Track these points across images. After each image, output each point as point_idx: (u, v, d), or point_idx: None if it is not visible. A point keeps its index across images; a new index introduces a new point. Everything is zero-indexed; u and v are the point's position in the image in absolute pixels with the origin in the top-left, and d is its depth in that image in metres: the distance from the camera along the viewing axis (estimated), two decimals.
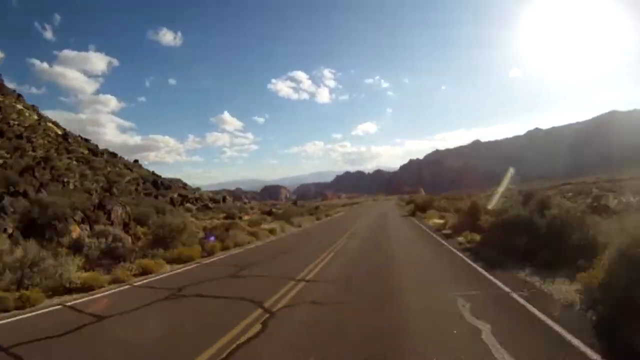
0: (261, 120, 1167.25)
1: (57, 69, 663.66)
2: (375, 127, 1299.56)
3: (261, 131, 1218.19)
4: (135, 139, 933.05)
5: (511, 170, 58.06)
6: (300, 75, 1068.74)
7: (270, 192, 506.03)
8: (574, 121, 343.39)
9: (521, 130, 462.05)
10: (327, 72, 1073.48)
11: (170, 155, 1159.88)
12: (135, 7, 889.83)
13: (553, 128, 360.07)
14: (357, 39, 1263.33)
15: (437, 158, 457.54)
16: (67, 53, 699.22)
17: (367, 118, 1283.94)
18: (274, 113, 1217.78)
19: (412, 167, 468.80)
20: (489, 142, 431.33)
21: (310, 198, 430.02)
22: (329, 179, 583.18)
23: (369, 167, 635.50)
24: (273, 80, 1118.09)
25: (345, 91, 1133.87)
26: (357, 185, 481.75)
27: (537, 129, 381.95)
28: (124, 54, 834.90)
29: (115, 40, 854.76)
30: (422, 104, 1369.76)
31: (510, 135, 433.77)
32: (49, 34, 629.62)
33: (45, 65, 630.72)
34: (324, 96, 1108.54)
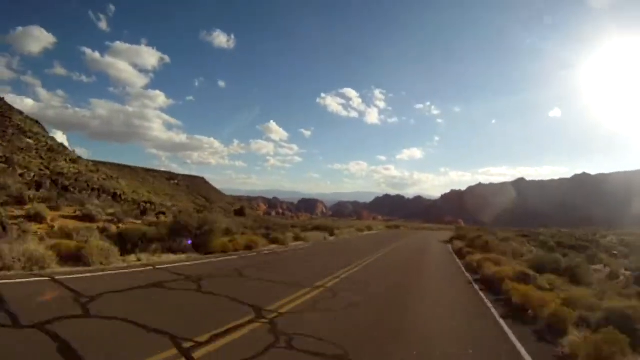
0: (307, 133, 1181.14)
1: (109, 59, 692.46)
2: (421, 153, 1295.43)
3: (306, 144, 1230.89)
4: (181, 137, 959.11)
5: None
6: (351, 92, 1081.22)
7: (307, 204, 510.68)
8: (622, 170, 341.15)
9: (568, 174, 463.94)
10: (378, 93, 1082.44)
11: (214, 157, 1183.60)
12: (191, 6, 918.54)
13: (601, 174, 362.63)
14: (411, 62, 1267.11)
15: (479, 191, 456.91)
16: (119, 45, 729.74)
17: (413, 144, 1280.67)
18: (321, 127, 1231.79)
19: (453, 198, 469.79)
20: (534, 182, 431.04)
21: (346, 216, 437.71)
22: (369, 199, 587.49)
23: (410, 192, 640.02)
24: (322, 95, 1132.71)
25: (394, 114, 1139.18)
26: (395, 209, 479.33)
27: (584, 173, 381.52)
28: (175, 51, 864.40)
29: (168, 36, 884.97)
30: (470, 136, 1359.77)
31: (555, 177, 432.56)
32: (103, 24, 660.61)
33: (97, 54, 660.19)
34: (373, 116, 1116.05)
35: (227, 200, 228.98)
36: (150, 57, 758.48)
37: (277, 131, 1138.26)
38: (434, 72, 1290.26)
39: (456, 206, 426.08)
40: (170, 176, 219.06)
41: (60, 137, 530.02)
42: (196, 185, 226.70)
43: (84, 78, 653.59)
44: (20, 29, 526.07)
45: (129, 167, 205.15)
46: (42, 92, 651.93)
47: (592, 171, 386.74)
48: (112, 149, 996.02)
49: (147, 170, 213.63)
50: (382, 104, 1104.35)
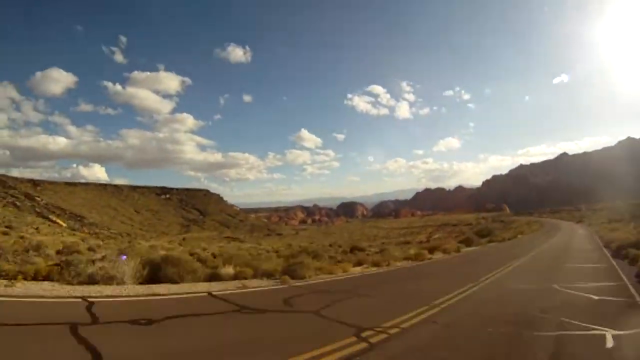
0: (340, 136, 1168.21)
1: (130, 90, 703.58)
2: (458, 142, 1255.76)
3: (341, 148, 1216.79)
4: (216, 157, 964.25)
5: None
6: (378, 89, 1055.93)
7: (346, 208, 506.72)
8: None
9: (612, 142, 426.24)
10: (405, 85, 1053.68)
11: (251, 172, 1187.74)
12: (199, 25, 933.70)
13: None
14: (434, 48, 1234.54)
15: (521, 173, 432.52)
16: (137, 74, 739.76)
17: (449, 133, 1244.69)
18: (353, 129, 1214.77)
19: (496, 184, 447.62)
20: (577, 155, 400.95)
21: (386, 215, 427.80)
22: (409, 196, 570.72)
23: (451, 184, 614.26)
24: (349, 95, 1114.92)
25: (425, 104, 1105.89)
26: (437, 202, 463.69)
27: (629, 138, 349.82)
28: (195, 72, 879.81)
29: (183, 59, 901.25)
30: (504, 116, 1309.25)
31: (599, 147, 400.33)
32: (119, 57, 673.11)
33: (118, 87, 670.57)
34: (403, 111, 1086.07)
35: (228, 212, 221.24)
36: (171, 81, 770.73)
37: (309, 139, 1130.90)
38: (459, 55, 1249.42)
39: (500, 192, 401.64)
40: (163, 191, 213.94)
41: (98, 169, 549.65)
42: (194, 199, 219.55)
43: (110, 111, 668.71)
44: (39, 73, 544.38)
45: (115, 185, 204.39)
46: (72, 129, 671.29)
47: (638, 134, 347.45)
48: (150, 175, 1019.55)
49: (135, 188, 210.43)
50: (411, 97, 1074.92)
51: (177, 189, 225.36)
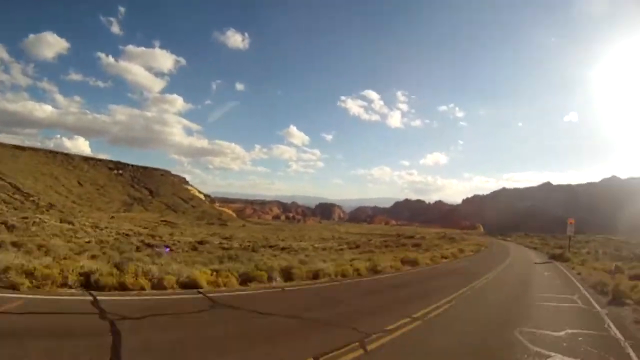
0: (329, 137, 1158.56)
1: (123, 63, 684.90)
2: (445, 158, 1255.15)
3: (328, 149, 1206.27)
4: (202, 142, 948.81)
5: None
6: (372, 94, 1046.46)
7: (324, 209, 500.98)
8: None
9: (596, 178, 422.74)
10: (400, 94, 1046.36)
11: (236, 163, 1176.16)
12: (201, 3, 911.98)
13: (632, 178, 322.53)
14: (434, 62, 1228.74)
15: (503, 196, 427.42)
16: (132, 49, 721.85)
17: (437, 148, 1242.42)
18: (343, 131, 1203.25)
19: (475, 202, 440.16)
20: (560, 186, 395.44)
21: (361, 221, 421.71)
22: (390, 204, 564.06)
23: (433, 198, 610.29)
24: (342, 97, 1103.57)
25: (417, 116, 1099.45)
26: (415, 214, 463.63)
27: (614, 177, 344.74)
28: (190, 53, 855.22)
29: (181, 38, 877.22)
30: (495, 139, 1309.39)
31: (583, 181, 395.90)
32: (115, 28, 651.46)
33: (111, 59, 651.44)
34: (395, 119, 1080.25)
35: (182, 196, 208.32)
36: (165, 59, 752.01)
37: (297, 135, 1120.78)
38: (458, 72, 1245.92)
39: (478, 211, 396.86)
40: (117, 166, 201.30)
41: (82, 143, 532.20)
42: (149, 178, 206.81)
43: (100, 83, 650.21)
44: (32, 35, 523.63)
45: (66, 154, 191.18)
46: (60, 98, 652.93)
47: (623, 175, 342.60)
48: (134, 154, 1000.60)
49: (87, 159, 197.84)
50: (404, 107, 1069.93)
51: (133, 166, 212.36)
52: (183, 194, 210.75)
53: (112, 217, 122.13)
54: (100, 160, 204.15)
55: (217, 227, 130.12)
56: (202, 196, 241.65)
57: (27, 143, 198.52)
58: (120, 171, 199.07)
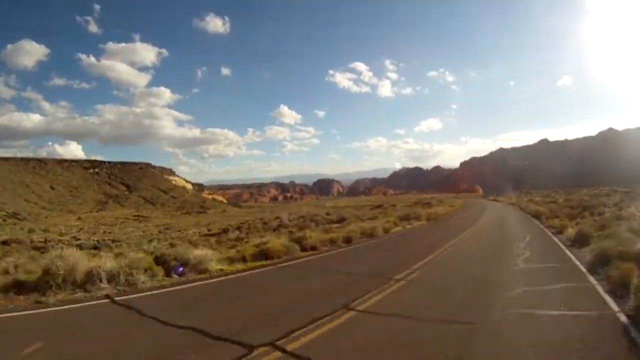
0: (321, 113, 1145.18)
1: (105, 62, 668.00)
2: (440, 123, 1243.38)
3: (322, 125, 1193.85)
4: (194, 132, 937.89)
5: None
6: (360, 66, 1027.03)
7: (322, 185, 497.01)
8: None
9: (593, 131, 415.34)
10: (388, 64, 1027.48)
11: (230, 148, 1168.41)
12: None
13: (627, 130, 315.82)
14: (420, 26, 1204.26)
15: (500, 156, 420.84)
16: (113, 46, 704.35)
17: (431, 114, 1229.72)
18: (334, 106, 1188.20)
19: (473, 165, 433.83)
20: (557, 142, 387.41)
21: (359, 194, 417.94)
22: (388, 174, 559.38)
23: (431, 164, 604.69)
24: (331, 72, 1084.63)
25: (407, 84, 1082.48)
26: (413, 181, 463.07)
27: (610, 129, 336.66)
28: (172, 43, 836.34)
29: (160, 29, 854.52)
30: (488, 101, 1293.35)
31: (580, 136, 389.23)
32: (93, 27, 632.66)
33: (92, 59, 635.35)
34: (385, 89, 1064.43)
35: (162, 187, 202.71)
36: (147, 52, 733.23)
37: (289, 115, 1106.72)
38: (445, 36, 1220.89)
39: (476, 174, 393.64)
40: (92, 165, 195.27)
41: (75, 147, 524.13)
42: (126, 173, 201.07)
43: (84, 85, 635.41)
44: (10, 46, 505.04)
45: (39, 160, 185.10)
46: (46, 105, 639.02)
47: (620, 127, 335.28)
48: (127, 151, 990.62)
49: (61, 162, 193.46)
50: (394, 75, 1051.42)
51: (110, 163, 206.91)
52: (163, 185, 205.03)
53: (79, 219, 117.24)
54: (74, 161, 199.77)
55: (194, 216, 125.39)
56: (189, 185, 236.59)
57: (19, 155, 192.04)
58: (96, 170, 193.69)
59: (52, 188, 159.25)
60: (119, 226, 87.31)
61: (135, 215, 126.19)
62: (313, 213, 60.03)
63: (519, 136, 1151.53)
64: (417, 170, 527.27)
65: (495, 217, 38.74)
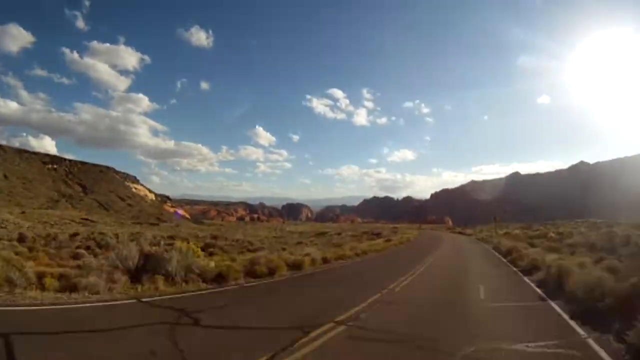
0: (296, 137, 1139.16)
1: (88, 60, 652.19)
2: (412, 154, 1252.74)
3: (295, 149, 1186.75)
4: (168, 143, 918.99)
5: None
6: (338, 93, 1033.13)
7: (291, 209, 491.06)
8: (622, 155, 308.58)
9: (564, 165, 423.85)
10: (365, 92, 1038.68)
11: (203, 164, 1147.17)
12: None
13: (597, 163, 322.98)
14: (399, 59, 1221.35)
15: (471, 188, 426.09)
16: (97, 45, 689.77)
17: (404, 145, 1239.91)
18: (309, 131, 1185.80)
19: (444, 197, 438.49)
20: (528, 175, 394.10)
21: (328, 220, 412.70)
22: (358, 203, 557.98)
23: (402, 194, 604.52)
24: (308, 97, 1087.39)
25: (383, 114, 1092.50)
26: (383, 211, 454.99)
27: (582, 162, 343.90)
28: (155, 51, 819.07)
29: (145, 34, 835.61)
30: (461, 134, 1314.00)
31: (552, 169, 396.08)
32: (80, 23, 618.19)
33: (75, 55, 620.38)
34: (361, 117, 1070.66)
35: (120, 194, 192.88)
36: (130, 56, 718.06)
37: (264, 136, 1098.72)
38: (423, 69, 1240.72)
39: (446, 205, 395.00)
40: (52, 160, 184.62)
41: (49, 143, 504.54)
42: (85, 174, 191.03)
43: (65, 80, 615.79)
44: None
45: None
46: (25, 94, 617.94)
47: (590, 160, 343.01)
48: (101, 155, 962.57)
49: (21, 152, 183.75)
50: (370, 104, 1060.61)
51: (70, 161, 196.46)
52: (122, 192, 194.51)
53: (23, 213, 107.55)
54: (34, 153, 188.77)
55: (145, 227, 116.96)
56: (151, 196, 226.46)
57: None
58: (55, 166, 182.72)
59: (6, 177, 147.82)
60: (59, 227, 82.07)
61: (84, 219, 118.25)
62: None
63: (491, 170, 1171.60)
64: (388, 199, 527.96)
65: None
